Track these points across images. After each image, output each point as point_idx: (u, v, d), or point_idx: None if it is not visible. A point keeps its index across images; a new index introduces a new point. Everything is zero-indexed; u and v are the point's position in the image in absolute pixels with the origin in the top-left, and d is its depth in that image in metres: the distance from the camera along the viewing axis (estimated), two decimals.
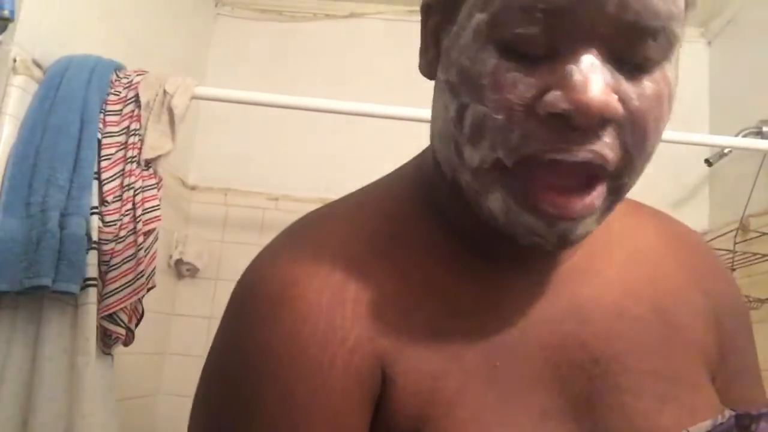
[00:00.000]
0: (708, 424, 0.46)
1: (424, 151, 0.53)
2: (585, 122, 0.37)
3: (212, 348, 0.46)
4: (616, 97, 0.38)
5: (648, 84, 0.40)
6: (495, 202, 0.42)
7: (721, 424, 0.46)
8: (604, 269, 0.51)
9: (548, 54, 0.38)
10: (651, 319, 0.50)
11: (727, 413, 0.47)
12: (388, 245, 0.47)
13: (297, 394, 0.41)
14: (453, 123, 0.42)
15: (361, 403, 0.42)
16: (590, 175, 0.40)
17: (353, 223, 0.48)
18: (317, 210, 0.51)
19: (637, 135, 0.40)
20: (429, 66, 0.48)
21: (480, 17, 0.40)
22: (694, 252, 0.56)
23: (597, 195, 0.40)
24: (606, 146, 0.39)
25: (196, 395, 0.45)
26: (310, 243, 0.47)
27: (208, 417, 0.44)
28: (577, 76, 0.37)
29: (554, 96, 0.38)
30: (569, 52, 0.38)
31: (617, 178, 0.41)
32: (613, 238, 0.53)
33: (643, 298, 0.50)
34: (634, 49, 0.38)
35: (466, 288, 0.47)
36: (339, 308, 0.43)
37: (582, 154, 0.38)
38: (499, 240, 0.46)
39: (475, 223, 0.46)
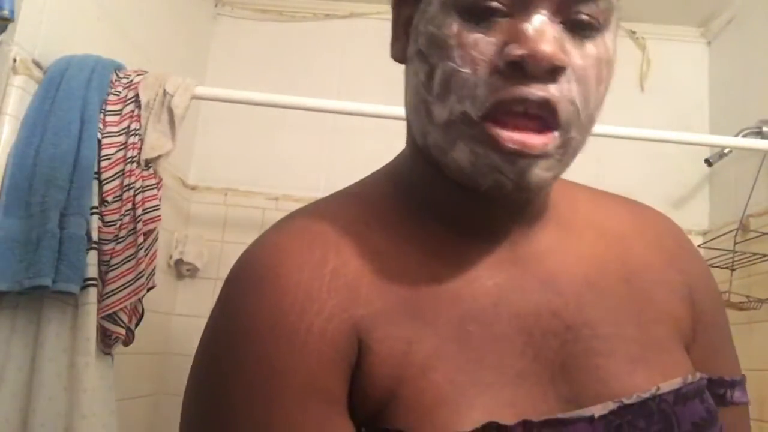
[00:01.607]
0: (678, 381, 0.49)
1: (403, 149, 0.58)
2: (539, 67, 0.43)
3: (206, 324, 0.50)
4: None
5: (590, 47, 0.46)
6: (460, 152, 0.46)
7: (692, 383, 0.50)
8: (573, 247, 0.55)
9: (504, 15, 0.45)
10: (621, 291, 0.53)
11: (698, 375, 0.51)
12: (364, 230, 0.51)
13: (275, 358, 0.44)
14: (423, 86, 0.48)
15: (336, 366, 0.45)
16: (544, 123, 0.45)
17: (333, 213, 0.53)
18: (304, 206, 0.55)
19: (581, 89, 0.45)
20: (402, 51, 0.53)
21: None
22: (666, 234, 0.60)
23: (550, 139, 0.45)
24: (556, 91, 0.44)
25: (191, 368, 0.49)
26: (293, 230, 0.51)
27: (196, 381, 0.48)
28: (530, 31, 0.43)
29: (511, 47, 0.43)
30: (523, 13, 0.44)
31: (566, 131, 0.46)
32: (582, 220, 0.57)
33: (612, 271, 0.54)
34: (580, 9, 0.45)
35: (439, 261, 0.50)
36: (317, 282, 0.47)
37: (538, 93, 0.44)
38: (471, 210, 0.52)
39: (447, 195, 0.52)
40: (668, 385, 0.49)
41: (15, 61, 1.24)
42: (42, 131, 1.23)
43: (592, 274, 0.53)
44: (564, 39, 0.45)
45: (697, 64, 2.32)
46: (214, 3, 2.38)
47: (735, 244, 1.79)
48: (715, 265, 1.87)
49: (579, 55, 0.45)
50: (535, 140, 0.44)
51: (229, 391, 0.45)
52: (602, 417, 0.46)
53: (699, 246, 2.10)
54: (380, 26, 2.35)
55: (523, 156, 0.44)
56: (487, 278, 0.50)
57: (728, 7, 2.16)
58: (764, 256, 1.72)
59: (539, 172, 0.46)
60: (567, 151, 0.47)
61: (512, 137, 0.44)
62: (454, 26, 0.45)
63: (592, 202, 0.60)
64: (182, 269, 2.10)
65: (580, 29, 0.45)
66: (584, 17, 0.45)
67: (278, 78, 2.28)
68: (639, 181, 2.17)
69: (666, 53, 2.30)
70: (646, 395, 0.48)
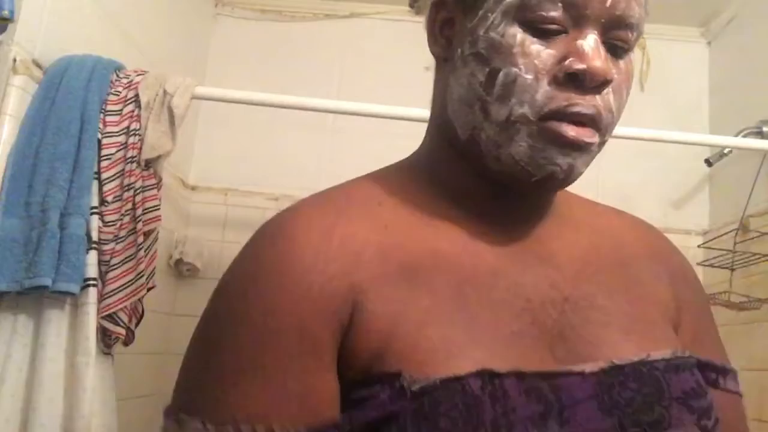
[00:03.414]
0: (668, 351, 0.53)
1: (422, 143, 0.64)
2: (594, 81, 0.50)
3: (225, 272, 0.55)
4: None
5: (622, 63, 0.54)
6: (518, 147, 0.52)
7: (681, 357, 0.54)
8: (571, 235, 0.60)
9: (560, 32, 0.51)
10: (614, 272, 0.59)
11: (688, 352, 0.55)
12: (376, 207, 0.56)
13: (275, 301, 0.49)
14: (481, 86, 0.53)
15: (328, 321, 0.49)
16: (590, 126, 0.52)
17: (348, 191, 0.58)
18: (337, 184, 0.61)
19: (616, 99, 0.53)
20: (442, 50, 0.59)
21: (509, 2, 0.51)
22: (651, 232, 0.67)
23: (595, 138, 0.52)
24: (600, 101, 0.52)
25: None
26: (309, 200, 0.57)
27: (204, 313, 0.53)
28: (587, 48, 0.50)
29: (572, 61, 0.50)
30: (578, 31, 0.51)
31: (603, 134, 0.53)
32: (577, 218, 0.63)
33: (606, 256, 0.60)
34: (619, 35, 0.52)
35: (444, 236, 0.55)
36: (325, 245, 0.51)
37: (590, 106, 0.51)
38: (489, 196, 0.57)
39: (469, 183, 0.58)
40: (659, 354, 0.52)
41: (15, 61, 1.24)
42: (42, 131, 1.23)
43: (588, 256, 0.59)
44: (608, 57, 0.52)
45: (697, 64, 2.32)
46: (214, 3, 2.38)
47: (735, 244, 1.79)
48: (715, 265, 1.87)
49: (616, 70, 0.53)
50: (587, 135, 0.51)
51: (228, 323, 0.50)
52: (594, 374, 0.50)
53: (699, 246, 2.10)
54: (380, 26, 2.35)
55: (578, 148, 0.51)
56: (488, 252, 0.55)
57: (728, 7, 2.16)
58: (764, 256, 1.72)
59: (580, 165, 0.53)
60: (597, 151, 0.55)
61: (570, 130, 0.51)
62: (518, 36, 0.51)
63: (584, 205, 0.66)
64: (182, 269, 2.10)
65: (615, 49, 0.53)
66: (620, 41, 0.53)
67: (278, 78, 2.28)
68: (639, 181, 2.17)
69: (666, 53, 2.30)
70: (637, 359, 0.51)
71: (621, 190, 2.13)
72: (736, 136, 1.83)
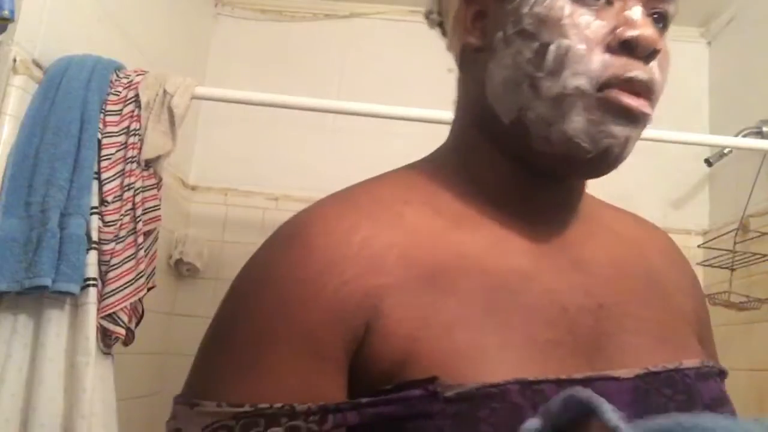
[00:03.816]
0: (697, 361, 0.53)
1: (445, 141, 0.62)
2: (647, 48, 0.50)
3: (243, 266, 0.55)
4: None
5: (664, 36, 0.54)
6: (573, 122, 0.51)
7: (706, 365, 0.54)
8: (599, 239, 0.59)
9: (606, 4, 0.51)
10: (642, 279, 0.58)
11: (712, 362, 0.56)
12: (402, 207, 0.54)
13: (283, 304, 0.48)
14: (530, 63, 0.52)
15: (337, 326, 0.47)
16: (644, 96, 0.52)
17: (371, 191, 0.56)
18: (358, 182, 0.59)
19: (661, 72, 0.53)
20: (479, 39, 0.57)
21: None
22: (665, 241, 0.67)
23: (650, 109, 0.52)
24: (654, 71, 0.52)
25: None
26: (330, 200, 0.56)
27: (218, 319, 0.52)
28: (637, 18, 0.51)
29: (624, 29, 0.50)
30: (623, 2, 0.51)
31: (652, 106, 0.53)
32: (601, 221, 0.62)
33: (633, 264, 0.59)
34: (661, 6, 0.54)
35: (473, 237, 0.53)
36: (343, 248, 0.49)
37: (645, 72, 0.51)
38: (523, 190, 0.56)
39: (506, 176, 0.56)
40: (690, 363, 0.52)
41: (15, 61, 1.24)
42: (42, 131, 1.23)
43: (617, 262, 0.58)
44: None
45: (697, 64, 2.31)
46: (214, 3, 2.38)
47: (735, 244, 1.79)
48: (715, 265, 1.87)
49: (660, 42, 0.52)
50: (645, 105, 0.51)
51: (238, 319, 0.50)
52: (629, 380, 0.49)
53: (699, 246, 2.10)
54: (380, 26, 2.36)
55: (635, 119, 0.51)
56: (519, 255, 0.53)
57: (728, 7, 2.16)
58: (764, 256, 1.72)
59: (634, 139, 0.53)
60: (643, 129, 0.54)
61: (630, 100, 0.50)
62: (566, 8, 0.51)
63: (606, 209, 0.66)
64: (182, 269, 2.10)
65: (657, 22, 0.54)
66: (663, 12, 0.54)
67: (278, 78, 2.28)
68: (639, 181, 2.17)
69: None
70: (671, 366, 0.51)
71: (621, 190, 2.13)
72: (736, 136, 1.83)
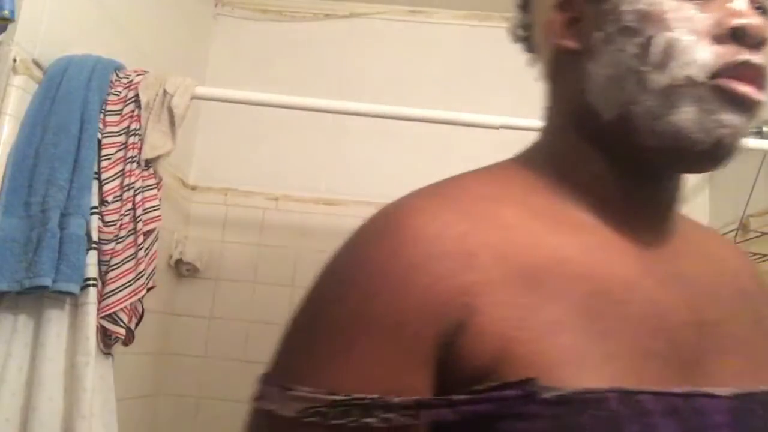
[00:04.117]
0: None
1: (535, 143, 0.62)
2: (756, 36, 0.50)
3: (331, 255, 0.55)
4: None
5: None
6: (683, 113, 0.51)
7: None
8: (694, 253, 0.59)
9: None
10: (739, 300, 0.57)
11: None
12: (495, 205, 0.53)
13: (381, 294, 0.48)
14: (636, 58, 0.52)
15: (431, 319, 0.47)
16: (755, 84, 0.51)
17: (464, 188, 0.56)
18: (450, 177, 0.59)
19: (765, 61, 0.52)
20: (579, 40, 0.57)
21: None
22: (752, 264, 0.67)
23: (763, 96, 0.52)
24: (765, 60, 0.51)
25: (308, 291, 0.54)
26: (424, 193, 0.55)
27: (310, 303, 0.52)
28: (743, 8, 0.51)
29: (731, 19, 0.51)
30: None
31: (764, 95, 0.52)
32: (697, 238, 0.62)
33: (729, 283, 0.58)
34: None
35: (572, 240, 0.52)
36: (438, 243, 0.49)
37: (758, 57, 0.51)
38: (631, 191, 0.55)
39: (606, 170, 0.55)
40: None
41: (15, 61, 1.24)
42: (42, 131, 1.23)
43: (714, 281, 0.57)
44: None
45: None
46: (214, 3, 2.38)
47: (735, 244, 1.79)
48: None
49: None
50: (756, 95, 0.51)
51: (330, 308, 0.50)
52: (728, 398, 0.48)
53: None
54: (380, 26, 2.36)
55: (749, 107, 0.51)
56: (621, 261, 0.52)
57: None
58: (764, 256, 1.72)
59: (745, 130, 0.52)
60: (753, 118, 0.53)
61: (744, 86, 0.50)
62: (670, 2, 0.52)
63: (693, 224, 0.65)
64: (182, 269, 2.10)
65: (761, 14, 0.53)
66: (764, 5, 0.53)
67: (278, 78, 2.28)
68: None
69: None
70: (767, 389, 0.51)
71: None
72: None
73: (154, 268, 1.34)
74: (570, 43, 0.58)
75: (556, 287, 0.48)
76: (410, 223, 0.50)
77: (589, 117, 0.56)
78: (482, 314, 0.46)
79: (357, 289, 0.49)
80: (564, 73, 0.59)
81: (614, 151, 0.55)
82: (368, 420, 0.45)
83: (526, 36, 0.65)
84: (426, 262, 0.48)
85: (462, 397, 0.45)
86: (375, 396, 0.46)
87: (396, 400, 0.45)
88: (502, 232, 0.50)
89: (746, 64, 0.50)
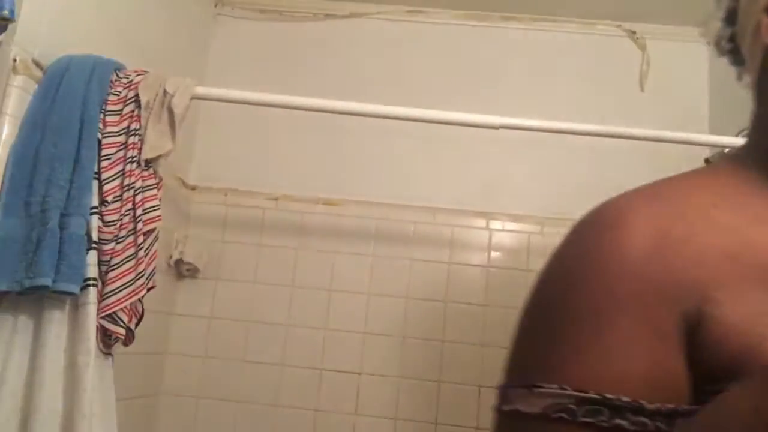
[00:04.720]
0: None
1: (745, 145, 0.62)
2: None
3: (551, 258, 0.55)
4: None
5: None
6: None
7: None
8: None
9: None
10: None
11: None
12: (712, 210, 0.53)
13: (620, 281, 0.48)
14: None
15: (673, 308, 0.47)
16: None
17: (679, 191, 0.55)
18: (663, 179, 0.59)
19: None
20: None
21: None
22: None
23: None
24: None
25: (533, 289, 0.54)
26: (643, 198, 0.55)
27: (542, 301, 0.52)
28: None
29: None
30: None
31: None
32: None
33: None
34: None
35: None
36: (665, 241, 0.49)
37: None
38: None
39: None
40: None
41: (15, 61, 1.24)
42: (42, 131, 1.23)
43: None
44: None
45: (697, 64, 2.32)
46: (214, 3, 2.38)
47: None
48: None
49: None
50: None
51: (566, 305, 0.50)
52: None
53: None
54: (380, 26, 2.35)
55: None
56: None
57: None
58: None
59: None
60: None
61: None
62: None
63: None
64: (182, 269, 2.10)
65: None
66: None
67: (278, 78, 2.28)
68: (639, 181, 2.16)
69: (666, 53, 2.30)
70: None
71: (621, 190, 2.13)
72: (736, 136, 1.83)
73: (154, 268, 1.34)
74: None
75: None
76: (634, 220, 0.51)
77: None
78: (720, 306, 0.46)
79: (595, 279, 0.49)
80: None
81: None
82: (619, 421, 0.45)
83: (731, 48, 0.65)
84: (658, 252, 0.48)
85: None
86: (627, 399, 0.45)
87: (650, 406, 0.45)
88: (723, 235, 0.50)
89: None
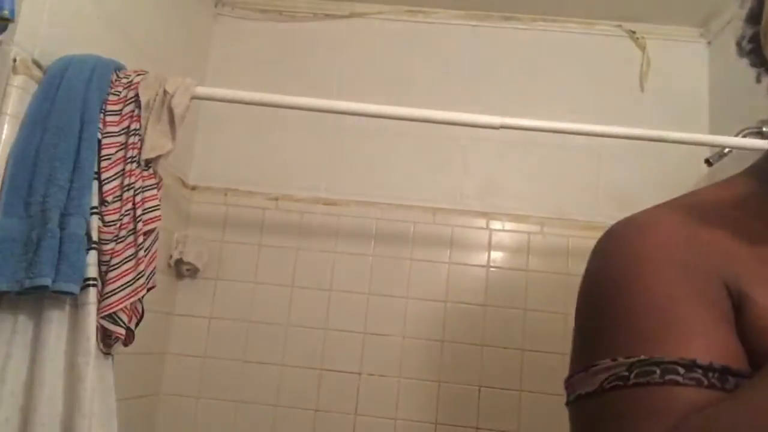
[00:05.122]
0: None
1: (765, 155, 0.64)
2: None
3: (590, 266, 0.57)
4: None
5: None
6: None
7: None
8: None
9: None
10: None
11: None
12: (732, 219, 0.55)
13: (670, 267, 0.50)
14: None
15: (722, 291, 0.49)
16: None
17: (700, 202, 0.58)
18: (688, 192, 0.62)
19: None
20: None
21: None
22: None
23: None
24: None
25: (581, 296, 0.56)
26: (666, 210, 0.57)
27: (593, 298, 0.54)
28: None
29: None
30: None
31: None
32: None
33: None
34: None
35: None
36: (696, 242, 0.52)
37: None
38: None
39: None
40: None
41: (15, 61, 1.24)
42: (42, 131, 1.23)
43: None
44: None
45: (697, 64, 2.32)
46: (214, 3, 2.38)
47: None
48: None
49: None
50: None
51: (619, 297, 0.51)
52: None
53: None
54: (380, 26, 2.35)
55: None
56: None
57: (728, 7, 2.16)
58: None
59: None
60: None
61: None
62: None
63: None
64: (182, 269, 2.10)
65: None
66: None
67: (278, 78, 2.29)
68: (639, 181, 2.17)
69: (666, 53, 2.30)
70: None
71: (621, 190, 2.13)
72: (736, 136, 1.83)
73: (154, 268, 1.34)
74: None
75: None
76: (663, 227, 0.54)
77: None
78: (755, 295, 0.48)
79: (644, 272, 0.51)
80: None
81: None
82: (672, 376, 0.46)
83: (751, 49, 0.66)
84: (692, 254, 0.51)
85: None
86: (677, 357, 0.46)
87: (701, 361, 0.46)
88: (746, 239, 0.52)
89: None
